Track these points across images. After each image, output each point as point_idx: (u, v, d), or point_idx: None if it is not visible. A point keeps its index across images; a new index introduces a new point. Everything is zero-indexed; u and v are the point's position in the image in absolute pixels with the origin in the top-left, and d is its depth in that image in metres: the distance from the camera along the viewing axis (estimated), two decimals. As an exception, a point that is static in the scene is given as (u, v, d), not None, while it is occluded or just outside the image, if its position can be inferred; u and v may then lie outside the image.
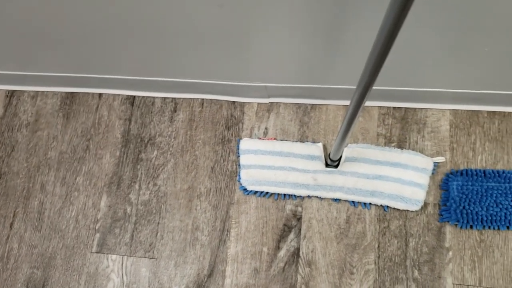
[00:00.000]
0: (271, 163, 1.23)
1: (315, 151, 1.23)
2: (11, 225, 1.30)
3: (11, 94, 1.41)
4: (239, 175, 1.25)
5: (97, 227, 1.27)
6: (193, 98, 1.34)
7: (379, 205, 1.20)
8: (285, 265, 1.19)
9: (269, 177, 1.23)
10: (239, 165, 1.26)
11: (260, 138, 1.27)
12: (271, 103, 1.31)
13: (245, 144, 1.26)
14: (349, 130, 0.91)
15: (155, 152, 1.31)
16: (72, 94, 1.39)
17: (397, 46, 0.58)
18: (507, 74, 1.07)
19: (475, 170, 1.19)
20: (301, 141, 1.26)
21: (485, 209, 1.15)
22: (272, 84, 1.21)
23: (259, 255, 1.20)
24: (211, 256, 1.22)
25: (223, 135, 1.30)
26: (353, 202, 1.21)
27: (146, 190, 1.28)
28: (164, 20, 0.96)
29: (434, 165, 1.21)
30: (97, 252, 1.25)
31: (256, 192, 1.24)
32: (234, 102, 1.32)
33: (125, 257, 1.24)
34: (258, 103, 1.31)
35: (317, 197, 1.22)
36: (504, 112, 1.24)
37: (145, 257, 1.23)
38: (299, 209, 1.22)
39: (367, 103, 1.26)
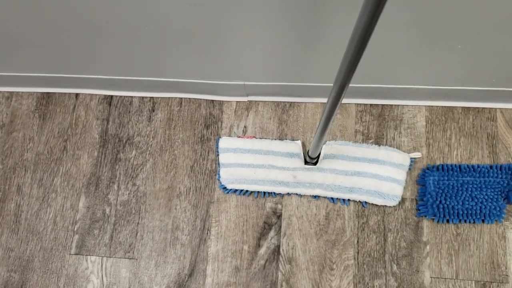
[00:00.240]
0: (251, 161, 1.24)
1: (294, 148, 1.23)
2: (-13, 228, 1.28)
3: (-15, 95, 1.39)
4: (219, 174, 1.25)
5: (75, 229, 1.26)
6: (171, 97, 1.33)
7: (357, 201, 1.21)
8: (266, 263, 1.19)
9: (248, 175, 1.23)
10: (218, 163, 1.26)
11: (239, 137, 1.27)
12: (250, 101, 1.31)
13: (224, 142, 1.26)
14: (327, 127, 0.92)
15: (134, 152, 1.30)
16: (48, 94, 1.37)
17: (372, 43, 0.59)
18: (480, 71, 1.09)
19: (451, 165, 1.21)
20: (280, 139, 1.27)
21: (461, 203, 1.18)
22: (250, 83, 1.22)
23: (239, 253, 1.20)
24: (192, 255, 1.21)
25: (202, 134, 1.30)
26: (332, 198, 1.22)
27: (125, 191, 1.27)
28: (139, 19, 0.96)
29: (411, 161, 1.23)
30: (76, 254, 1.24)
31: (236, 190, 1.24)
32: (212, 100, 1.32)
33: (105, 258, 1.23)
34: (237, 102, 1.31)
35: (296, 194, 1.23)
36: (478, 107, 1.26)
37: (125, 258, 1.22)
38: (279, 206, 1.23)
39: (345, 100, 1.27)
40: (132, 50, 1.10)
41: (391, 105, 1.28)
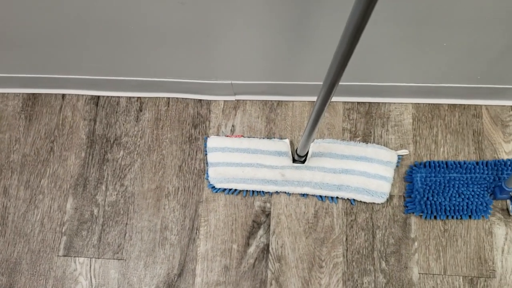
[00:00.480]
0: (239, 160, 1.24)
1: (282, 147, 1.24)
2: (-26, 231, 1.27)
3: (-30, 96, 1.37)
4: (207, 173, 1.25)
5: (63, 230, 1.25)
6: (159, 97, 1.33)
7: (346, 198, 1.22)
8: (255, 261, 1.19)
9: (237, 174, 1.23)
10: (206, 163, 1.26)
11: (227, 136, 1.27)
12: (238, 100, 1.31)
13: (213, 142, 1.26)
14: (315, 125, 0.92)
15: (122, 152, 1.29)
16: (34, 95, 1.36)
17: (359, 42, 0.59)
18: (465, 68, 1.10)
19: (438, 162, 1.22)
20: (268, 138, 1.27)
21: (448, 199, 1.19)
22: (238, 82, 1.22)
23: (229, 252, 1.20)
24: (181, 255, 1.21)
25: (190, 134, 1.29)
26: (320, 196, 1.22)
27: (113, 191, 1.26)
28: (126, 18, 0.95)
29: (398, 158, 1.24)
30: (64, 256, 1.23)
31: (224, 189, 1.24)
32: (200, 100, 1.32)
33: (93, 259, 1.22)
34: (225, 101, 1.31)
35: (285, 192, 1.23)
36: (464, 104, 1.28)
37: (114, 259, 1.22)
38: (268, 205, 1.23)
39: (332, 98, 1.27)
40: (119, 50, 1.10)
41: (378, 103, 1.29)
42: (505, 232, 1.18)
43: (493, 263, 1.16)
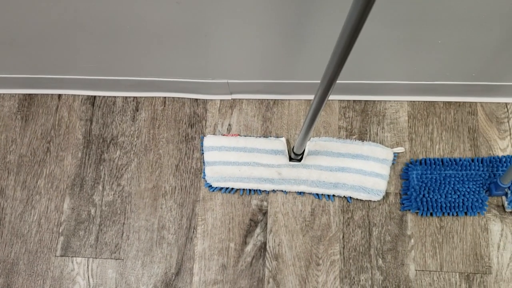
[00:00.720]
0: (236, 159, 1.24)
1: (278, 145, 1.24)
2: (-30, 232, 1.27)
3: (-35, 97, 1.37)
4: (204, 172, 1.25)
5: (60, 230, 1.25)
6: (155, 97, 1.33)
7: (342, 196, 1.22)
8: (253, 260, 1.20)
9: (234, 173, 1.23)
10: (203, 162, 1.26)
11: (223, 135, 1.28)
12: (234, 99, 1.31)
13: (209, 141, 1.26)
14: (312, 124, 0.93)
15: (118, 152, 1.29)
16: (30, 95, 1.36)
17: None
18: (460, 65, 1.11)
19: (434, 159, 1.23)
20: (264, 136, 1.28)
21: (444, 196, 1.19)
22: (234, 81, 1.22)
23: (226, 251, 1.21)
24: (178, 254, 1.21)
25: (187, 133, 1.30)
26: (317, 194, 1.22)
27: (110, 191, 1.27)
28: (121, 18, 0.96)
29: (394, 156, 1.24)
30: (61, 256, 1.23)
31: (221, 188, 1.24)
32: (196, 99, 1.32)
33: (91, 259, 1.22)
34: (221, 100, 1.32)
35: (282, 191, 1.23)
36: (459, 102, 1.28)
37: (111, 258, 1.22)
38: (265, 203, 1.23)
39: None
40: (115, 50, 1.10)
41: (374, 101, 1.29)
42: (500, 228, 1.19)
43: (489, 259, 1.17)
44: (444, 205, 1.19)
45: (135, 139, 1.30)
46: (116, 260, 1.22)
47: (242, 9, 0.91)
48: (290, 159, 1.23)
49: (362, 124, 1.28)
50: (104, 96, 1.34)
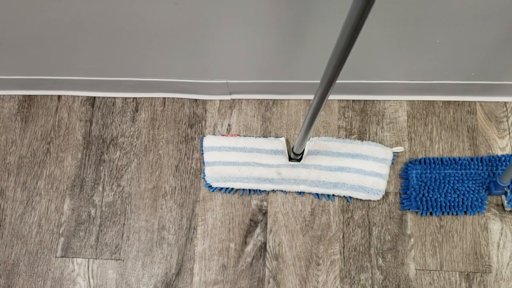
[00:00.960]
0: (235, 159, 1.24)
1: (278, 145, 1.24)
2: (-29, 233, 1.27)
3: (-35, 99, 1.37)
4: (204, 173, 1.26)
5: (61, 231, 1.25)
6: (155, 97, 1.33)
7: (342, 196, 1.22)
8: (253, 260, 1.20)
9: (233, 173, 1.23)
10: (203, 162, 1.27)
11: (223, 135, 1.28)
12: (233, 99, 1.32)
13: (209, 141, 1.26)
14: (312, 123, 0.93)
15: (118, 153, 1.29)
16: (30, 97, 1.36)
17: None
18: (459, 65, 1.11)
19: (433, 158, 1.23)
20: (264, 136, 1.28)
21: (443, 195, 1.19)
22: (233, 81, 1.22)
23: (226, 251, 1.21)
24: (179, 255, 1.21)
25: (186, 133, 1.30)
26: (317, 194, 1.23)
27: (110, 192, 1.27)
28: (121, 19, 0.96)
29: (394, 155, 1.24)
30: (62, 257, 1.23)
31: (221, 188, 1.24)
32: (196, 100, 1.32)
33: (91, 260, 1.22)
34: (220, 100, 1.32)
35: (281, 191, 1.24)
36: (458, 101, 1.28)
37: (112, 259, 1.22)
38: (265, 203, 1.23)
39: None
40: (114, 51, 1.10)
41: (373, 101, 1.29)
42: (500, 227, 1.19)
43: (489, 258, 1.17)
44: (443, 204, 1.19)
45: (135, 139, 1.30)
46: (117, 260, 1.22)
47: (241, 9, 0.91)
48: (290, 159, 1.23)
49: (361, 123, 1.28)
50: (103, 97, 1.34)
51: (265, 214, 1.23)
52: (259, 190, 1.24)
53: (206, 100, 1.32)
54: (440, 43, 1.01)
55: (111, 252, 1.22)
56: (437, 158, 1.23)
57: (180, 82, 1.24)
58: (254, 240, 1.21)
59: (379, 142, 1.26)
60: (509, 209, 1.19)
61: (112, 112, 1.33)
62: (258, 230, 1.22)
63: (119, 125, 1.32)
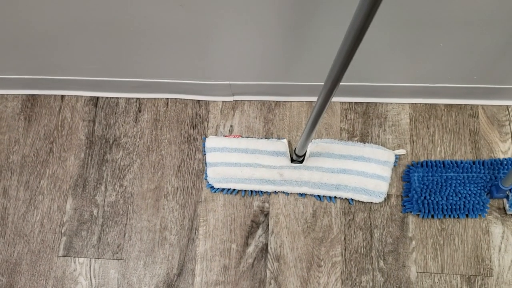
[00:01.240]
0: (237, 160, 1.24)
1: (280, 147, 1.24)
2: (-27, 232, 1.27)
3: (-31, 98, 1.38)
4: (206, 173, 1.26)
5: (63, 231, 1.25)
6: (158, 98, 1.34)
7: (344, 198, 1.23)
8: (254, 261, 1.20)
9: (235, 174, 1.24)
10: (205, 163, 1.27)
11: (225, 136, 1.28)
12: (236, 101, 1.32)
13: (211, 142, 1.27)
14: (315, 125, 0.93)
15: (121, 153, 1.30)
16: (34, 96, 1.36)
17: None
18: (461, 68, 1.11)
19: (435, 161, 1.23)
20: (266, 138, 1.28)
21: (445, 198, 1.19)
22: (236, 82, 1.22)
23: (228, 252, 1.21)
24: (180, 255, 1.22)
25: (189, 134, 1.30)
26: (318, 196, 1.23)
27: (112, 192, 1.27)
28: (126, 20, 0.96)
29: (396, 158, 1.24)
30: (64, 256, 1.24)
31: (223, 189, 1.25)
32: (198, 100, 1.33)
33: (93, 259, 1.23)
34: (223, 101, 1.32)
35: (283, 192, 1.24)
36: (460, 104, 1.28)
37: (114, 259, 1.22)
38: (266, 205, 1.24)
39: (330, 99, 1.29)
40: (118, 51, 1.10)
41: (376, 103, 1.30)
42: (502, 231, 1.19)
43: (490, 262, 1.17)
44: (445, 207, 1.19)
45: (138, 140, 1.31)
46: (118, 260, 1.22)
47: (245, 11, 0.91)
48: (292, 160, 1.23)
49: (363, 126, 1.28)
50: (107, 97, 1.35)
51: (266, 215, 1.23)
52: (261, 191, 1.24)
53: (208, 101, 1.32)
54: (443, 46, 1.01)
55: (113, 252, 1.23)
56: (439, 161, 1.23)
57: (183, 83, 1.24)
58: (256, 241, 1.21)
59: (381, 145, 1.26)
60: (511, 213, 1.19)
61: (115, 112, 1.33)
62: (259, 231, 1.22)
63: (122, 125, 1.32)
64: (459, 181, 1.21)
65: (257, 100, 1.31)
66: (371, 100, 1.29)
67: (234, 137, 1.27)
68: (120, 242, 1.23)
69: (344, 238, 1.20)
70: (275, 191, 1.24)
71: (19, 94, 1.37)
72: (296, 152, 1.18)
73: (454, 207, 1.19)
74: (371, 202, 1.22)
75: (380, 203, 1.22)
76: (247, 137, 1.28)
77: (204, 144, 1.28)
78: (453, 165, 1.22)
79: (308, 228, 1.21)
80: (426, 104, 1.29)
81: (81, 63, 1.18)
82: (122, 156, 1.30)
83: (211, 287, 1.19)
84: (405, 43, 1.01)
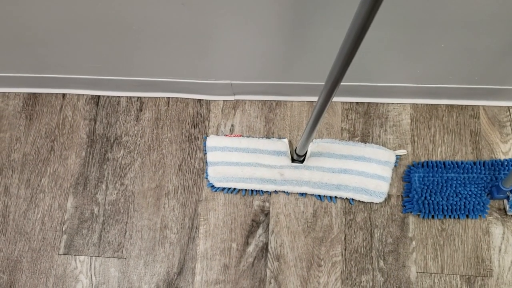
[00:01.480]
0: (238, 159, 1.25)
1: (281, 147, 1.24)
2: (-26, 229, 1.28)
3: (-29, 95, 1.38)
4: (207, 172, 1.26)
5: (64, 229, 1.26)
6: (159, 97, 1.34)
7: (344, 198, 1.23)
8: (254, 260, 1.20)
9: (236, 173, 1.24)
10: (206, 162, 1.27)
11: (226, 135, 1.28)
12: (237, 100, 1.32)
13: (212, 141, 1.27)
14: (316, 125, 0.93)
15: (122, 152, 1.30)
16: (35, 95, 1.37)
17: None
18: (463, 69, 1.11)
19: (436, 162, 1.23)
20: (267, 137, 1.28)
21: (445, 199, 1.19)
22: (237, 82, 1.22)
23: (228, 251, 1.21)
24: (181, 254, 1.22)
25: (190, 133, 1.30)
26: (319, 196, 1.23)
27: (113, 190, 1.27)
28: (127, 19, 0.96)
29: (397, 158, 1.24)
30: (64, 254, 1.24)
31: (223, 188, 1.25)
32: (200, 100, 1.33)
33: (94, 257, 1.23)
34: (224, 101, 1.32)
35: (284, 192, 1.24)
36: (462, 105, 1.28)
37: (114, 257, 1.23)
38: (267, 204, 1.24)
39: (331, 98, 1.29)
40: (120, 50, 1.10)
41: (377, 103, 1.30)
42: (502, 232, 1.19)
43: (490, 262, 1.17)
44: (445, 208, 1.19)
45: (139, 138, 1.31)
46: (119, 259, 1.23)
47: (246, 11, 0.91)
48: (293, 160, 1.24)
49: (364, 126, 1.28)
50: (108, 96, 1.35)
51: (267, 215, 1.23)
52: (262, 190, 1.24)
53: (210, 100, 1.33)
54: (445, 47, 1.01)
55: (114, 250, 1.23)
56: (439, 161, 1.23)
57: (185, 82, 1.24)
58: (256, 241, 1.22)
59: (382, 145, 1.26)
60: (511, 214, 1.19)
61: (117, 111, 1.33)
62: (260, 230, 1.22)
63: (123, 124, 1.32)
64: (459, 182, 1.21)
65: (258, 100, 1.32)
66: (372, 100, 1.29)
67: (235, 136, 1.27)
68: (121, 240, 1.24)
69: (344, 238, 1.21)
70: (275, 191, 1.24)
71: (20, 92, 1.37)
72: (297, 151, 1.18)
73: (455, 207, 1.19)
74: (372, 202, 1.22)
75: (380, 203, 1.22)
76: (248, 137, 1.28)
77: (205, 143, 1.28)
78: (453, 165, 1.22)
79: (309, 228, 1.21)
80: (427, 104, 1.29)
81: (82, 61, 1.18)
82: (123, 154, 1.30)
83: (211, 286, 1.19)
84: (407, 43, 1.01)
